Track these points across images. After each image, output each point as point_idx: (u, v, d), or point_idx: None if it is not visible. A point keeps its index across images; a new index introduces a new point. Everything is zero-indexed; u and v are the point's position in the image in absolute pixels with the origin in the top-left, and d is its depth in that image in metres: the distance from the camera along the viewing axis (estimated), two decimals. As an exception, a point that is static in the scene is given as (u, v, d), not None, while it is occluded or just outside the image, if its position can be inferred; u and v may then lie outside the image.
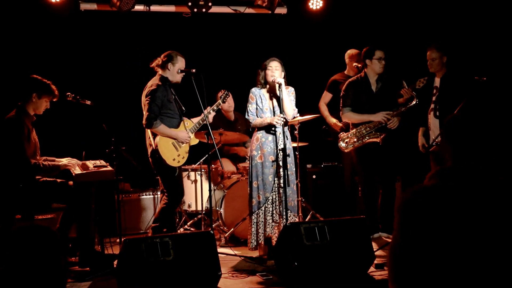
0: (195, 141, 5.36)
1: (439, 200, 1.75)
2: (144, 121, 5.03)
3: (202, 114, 5.26)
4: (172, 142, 5.13)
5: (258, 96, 5.08)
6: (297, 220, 5.05)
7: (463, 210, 1.73)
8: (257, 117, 5.06)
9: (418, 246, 1.71)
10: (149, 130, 5.13)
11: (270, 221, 4.92)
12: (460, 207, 1.73)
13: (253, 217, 4.96)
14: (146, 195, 6.42)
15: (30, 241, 2.02)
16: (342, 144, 5.71)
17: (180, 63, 5.21)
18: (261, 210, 4.94)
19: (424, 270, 1.70)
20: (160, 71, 5.22)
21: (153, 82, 5.15)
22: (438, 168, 1.91)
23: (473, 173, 1.86)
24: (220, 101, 5.51)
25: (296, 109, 5.09)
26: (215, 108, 5.41)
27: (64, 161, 4.84)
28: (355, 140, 5.60)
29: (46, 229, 2.07)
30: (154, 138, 5.10)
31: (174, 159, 5.11)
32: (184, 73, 5.24)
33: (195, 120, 5.33)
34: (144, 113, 5.05)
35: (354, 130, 5.62)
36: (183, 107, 5.33)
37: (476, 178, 1.84)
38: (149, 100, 5.02)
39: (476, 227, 1.71)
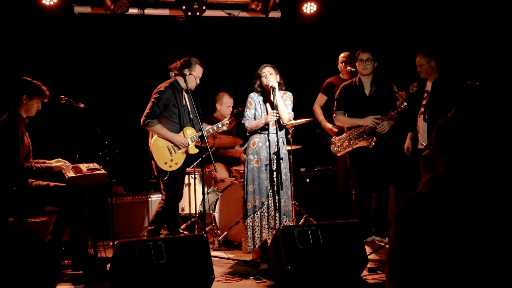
0: (194, 150, 5.23)
1: (434, 208, 1.75)
2: (142, 118, 5.04)
3: (209, 126, 5.31)
4: (168, 146, 5.10)
5: (257, 102, 5.09)
6: (291, 224, 5.04)
7: (459, 217, 1.73)
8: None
9: (415, 253, 1.72)
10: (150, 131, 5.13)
11: (266, 226, 4.92)
12: (456, 214, 1.74)
13: (248, 221, 4.95)
14: (139, 198, 6.40)
15: (15, 245, 2.01)
16: (333, 148, 5.74)
17: (198, 71, 5.17)
18: (257, 214, 4.94)
19: (421, 277, 1.71)
20: None
21: (164, 84, 5.15)
22: (433, 175, 1.91)
23: (468, 179, 1.85)
24: (227, 120, 5.37)
25: (292, 113, 5.09)
26: (220, 126, 5.36)
27: (55, 163, 4.82)
28: (346, 144, 5.62)
29: (32, 232, 2.06)
30: (151, 138, 5.10)
31: (165, 163, 5.08)
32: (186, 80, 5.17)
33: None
34: (145, 110, 5.06)
35: (345, 134, 5.65)
36: (191, 115, 5.21)
37: (470, 184, 1.84)
38: (154, 99, 5.04)
39: (472, 233, 1.72)
